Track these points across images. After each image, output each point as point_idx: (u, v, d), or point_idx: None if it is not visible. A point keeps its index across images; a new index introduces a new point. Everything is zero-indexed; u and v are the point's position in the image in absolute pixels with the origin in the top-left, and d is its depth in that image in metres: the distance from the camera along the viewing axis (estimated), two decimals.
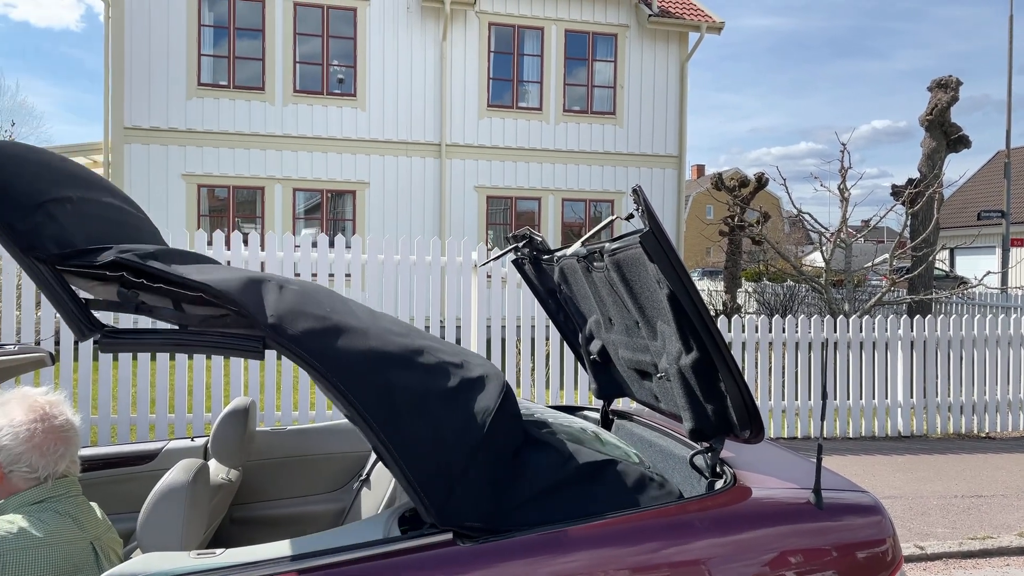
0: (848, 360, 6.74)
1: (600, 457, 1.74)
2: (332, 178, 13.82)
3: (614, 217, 2.05)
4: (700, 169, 53.09)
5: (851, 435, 6.75)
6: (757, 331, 6.60)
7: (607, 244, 2.03)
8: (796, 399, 6.72)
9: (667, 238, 1.63)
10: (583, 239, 2.15)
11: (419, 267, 5.91)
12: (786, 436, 6.59)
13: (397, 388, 1.51)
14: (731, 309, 17.05)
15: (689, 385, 1.88)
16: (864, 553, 1.66)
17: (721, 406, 1.82)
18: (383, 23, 14.05)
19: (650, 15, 14.86)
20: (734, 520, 1.64)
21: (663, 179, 15.76)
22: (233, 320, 1.53)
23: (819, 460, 1.74)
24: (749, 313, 17.77)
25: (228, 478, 2.29)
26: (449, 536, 1.47)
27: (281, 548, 1.43)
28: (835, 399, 6.77)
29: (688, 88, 15.86)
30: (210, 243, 5.52)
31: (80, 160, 14.46)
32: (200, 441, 2.63)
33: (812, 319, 6.65)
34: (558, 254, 2.49)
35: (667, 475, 2.16)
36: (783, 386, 6.62)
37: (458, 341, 6.28)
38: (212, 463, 2.39)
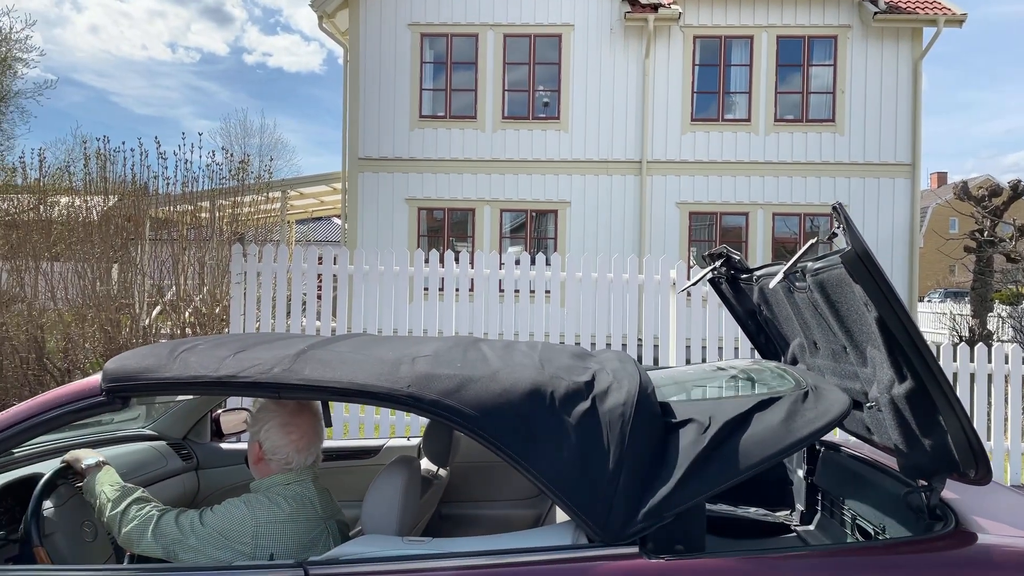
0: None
1: (741, 407, 1.70)
2: (536, 198, 14.37)
3: (814, 241, 1.95)
4: (942, 177, 47.08)
5: None
6: (1007, 362, 5.73)
7: (810, 264, 1.94)
8: None
9: (871, 257, 1.53)
10: (785, 268, 2.05)
11: (616, 285, 5.96)
12: None
13: (533, 421, 1.60)
14: (979, 335, 14.91)
15: (903, 416, 1.73)
16: None
17: (940, 441, 1.65)
18: (587, 45, 14.39)
19: (876, 12, 13.62)
20: (954, 567, 1.48)
21: (892, 190, 14.26)
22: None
23: None
24: (1003, 340, 15.40)
25: (437, 476, 2.51)
26: (635, 549, 1.50)
27: (478, 543, 1.56)
28: None
29: (923, 88, 14.26)
30: (427, 261, 6.04)
31: (321, 188, 16.57)
32: (415, 441, 2.91)
33: None
34: (758, 273, 2.41)
35: (879, 515, 1.98)
36: None
37: (656, 361, 6.22)
38: (424, 461, 2.63)
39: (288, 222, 18.95)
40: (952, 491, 1.93)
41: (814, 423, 1.64)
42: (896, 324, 1.56)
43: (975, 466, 1.62)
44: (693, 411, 1.72)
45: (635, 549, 1.50)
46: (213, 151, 7.59)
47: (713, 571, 1.47)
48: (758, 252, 14.34)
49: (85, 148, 7.28)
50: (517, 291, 6.03)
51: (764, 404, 1.72)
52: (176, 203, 7.44)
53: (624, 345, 10.85)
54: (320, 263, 6.08)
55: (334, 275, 6.11)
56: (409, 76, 14.40)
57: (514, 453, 1.57)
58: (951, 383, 1.59)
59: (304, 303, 6.23)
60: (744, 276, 2.48)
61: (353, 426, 5.97)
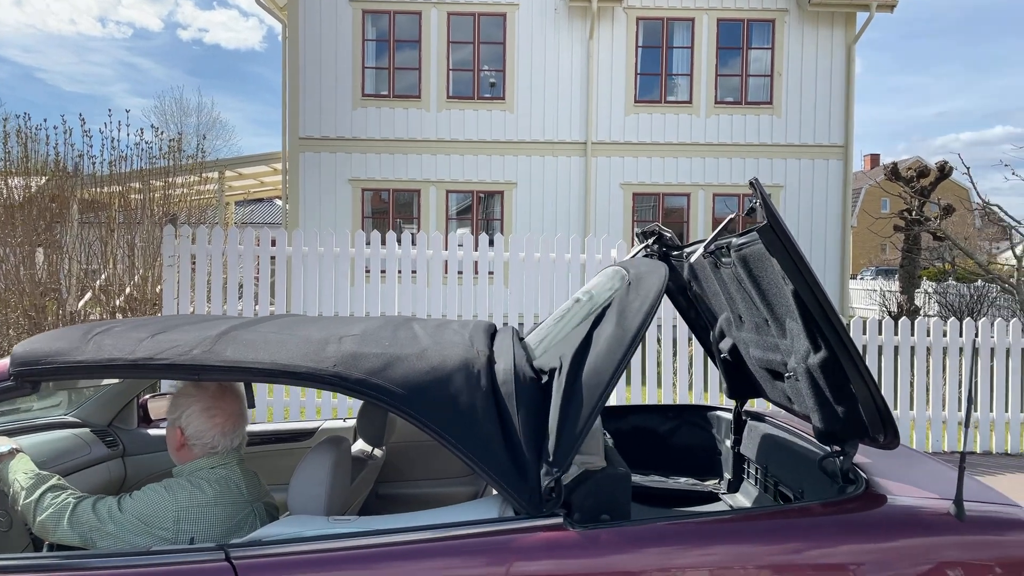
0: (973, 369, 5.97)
1: (581, 333, 1.78)
2: (482, 179, 14.32)
3: (732, 215, 2.01)
4: (874, 159, 48.73)
5: None
6: (929, 335, 6.02)
7: (733, 239, 1.99)
8: (976, 410, 6.06)
9: (786, 232, 1.58)
10: (705, 243, 2.13)
11: (559, 265, 6.01)
12: (960, 450, 5.95)
13: (460, 398, 1.62)
14: (907, 311, 15.59)
15: (818, 385, 1.81)
16: (1011, 571, 1.51)
17: (852, 408, 1.73)
18: (531, 26, 14.34)
19: None
20: (864, 527, 1.56)
21: (826, 171, 14.73)
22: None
23: (962, 468, 1.60)
24: (929, 316, 16.15)
25: (372, 456, 2.51)
26: (559, 520, 1.53)
27: (405, 520, 1.57)
28: (1021, 411, 6.02)
29: (855, 72, 14.72)
30: (368, 242, 5.97)
31: (261, 168, 16.13)
32: (351, 422, 2.89)
33: (1011, 323, 5.96)
34: (688, 250, 2.46)
35: (798, 480, 2.07)
36: (960, 394, 5.99)
37: None
38: (359, 442, 2.62)
39: (227, 204, 18.41)
40: (869, 457, 2.03)
41: (640, 311, 1.70)
42: (809, 296, 1.62)
43: (883, 431, 1.70)
44: (552, 358, 1.77)
45: (559, 520, 1.53)
46: (142, 129, 7.29)
47: (634, 538, 1.52)
48: (699, 232, 14.64)
49: (5, 126, 6.89)
50: (461, 272, 6.02)
51: (598, 319, 1.78)
52: (104, 184, 7.13)
53: None
54: (258, 244, 5.94)
55: (272, 257, 5.98)
56: (351, 54, 14.09)
57: (441, 430, 1.57)
58: (861, 354, 1.66)
59: (241, 287, 6.08)
60: (675, 253, 2.53)
61: (294, 410, 5.89)
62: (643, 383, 6.02)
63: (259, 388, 5.89)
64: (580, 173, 14.45)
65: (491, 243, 12.29)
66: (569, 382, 1.64)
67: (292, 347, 1.74)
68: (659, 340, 6.32)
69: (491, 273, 7.31)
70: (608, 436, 2.23)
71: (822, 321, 1.63)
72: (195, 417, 1.88)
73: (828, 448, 1.88)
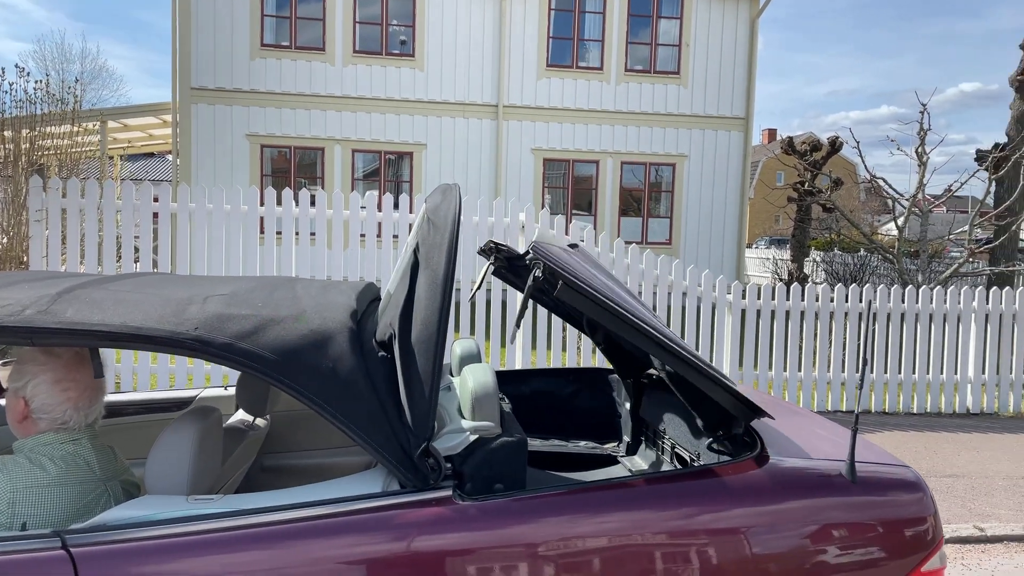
0: (916, 332, 6.38)
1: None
2: (390, 139, 13.86)
3: (489, 266, 2.23)
4: (771, 133, 50.92)
5: (915, 411, 6.43)
6: (818, 300, 6.31)
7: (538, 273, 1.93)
8: (857, 372, 6.43)
9: (579, 288, 1.64)
10: (474, 289, 2.36)
11: (467, 228, 5.86)
12: (844, 410, 6.32)
13: (341, 364, 1.48)
14: (797, 278, 16.45)
15: (684, 392, 1.90)
16: (899, 531, 1.53)
17: (718, 407, 1.81)
18: None
19: None
20: (757, 490, 1.54)
21: (728, 142, 15.19)
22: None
23: (855, 430, 1.61)
24: (817, 283, 17.11)
25: (254, 427, 2.32)
26: (448, 492, 1.43)
27: (277, 497, 1.41)
28: (900, 372, 6.44)
29: (757, 47, 15.14)
30: (263, 202, 5.59)
31: (149, 119, 14.98)
32: (234, 390, 2.67)
33: (892, 289, 6.31)
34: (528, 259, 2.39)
35: (694, 443, 2.06)
36: (844, 358, 6.34)
37: (504, 304, 6.24)
38: (239, 412, 2.42)
39: (110, 157, 17.03)
40: (765, 421, 2.03)
41: (442, 247, 1.59)
42: (630, 331, 1.66)
43: (754, 415, 1.77)
44: (385, 326, 1.66)
45: (448, 493, 1.42)
46: (3, 68, 6.53)
47: (527, 509, 1.43)
48: (607, 199, 14.82)
49: None
50: (363, 236, 5.77)
51: (415, 268, 1.68)
52: None
53: (473, 292, 10.88)
54: (137, 200, 5.45)
55: (155, 213, 5.51)
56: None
57: (319, 400, 1.42)
58: (703, 361, 1.71)
59: (119, 244, 5.60)
60: (517, 260, 2.43)
61: (180, 377, 5.51)
62: (548, 347, 6.02)
63: (124, 355, 5.47)
64: (491, 137, 14.24)
65: (396, 205, 11.96)
66: (403, 343, 1.53)
67: (148, 307, 1.53)
68: None
69: (396, 237, 7.06)
70: (506, 401, 2.14)
71: (654, 350, 1.66)
72: (43, 388, 1.64)
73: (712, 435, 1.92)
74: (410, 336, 1.52)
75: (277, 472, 2.60)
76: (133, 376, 5.56)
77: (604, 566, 1.42)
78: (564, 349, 6.03)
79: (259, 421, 2.38)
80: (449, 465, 1.49)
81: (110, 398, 2.52)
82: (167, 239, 5.48)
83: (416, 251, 1.71)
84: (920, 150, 9.44)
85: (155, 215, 5.53)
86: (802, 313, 6.41)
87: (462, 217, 5.80)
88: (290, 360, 1.46)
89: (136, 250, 5.98)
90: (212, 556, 1.29)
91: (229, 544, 1.30)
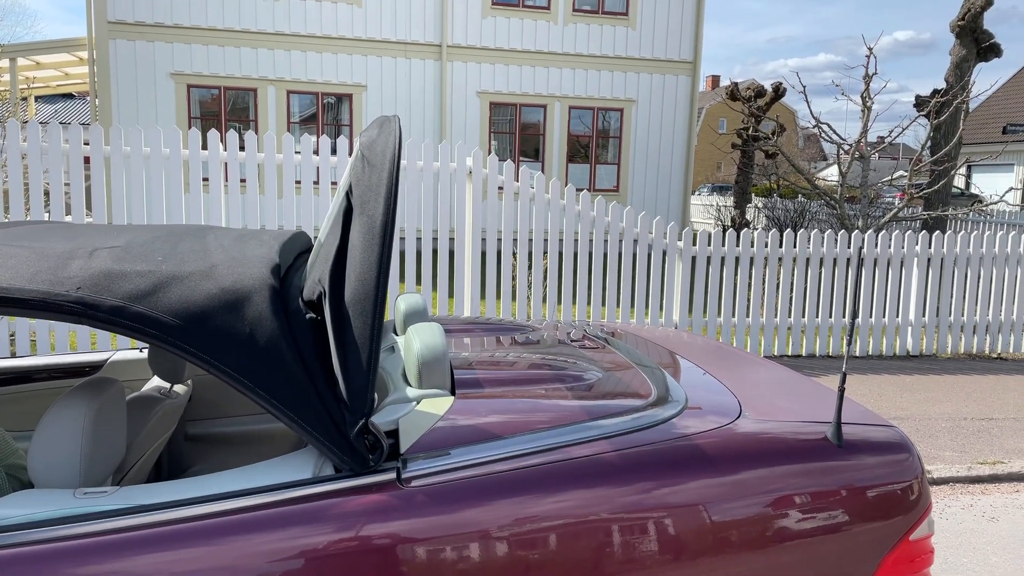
0: (857, 276, 6.44)
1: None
2: (328, 80, 13.17)
3: None
4: (715, 80, 50.98)
5: (858, 354, 6.55)
6: (767, 246, 6.28)
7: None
8: (803, 316, 6.49)
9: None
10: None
11: (411, 173, 5.55)
12: (790, 354, 6.39)
13: (259, 328, 1.25)
14: (739, 225, 16.64)
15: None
16: (887, 498, 1.42)
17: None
18: None
19: None
20: (728, 456, 1.39)
21: (676, 86, 15.01)
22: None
23: (842, 389, 1.47)
24: (757, 229, 17.35)
25: (171, 394, 2.06)
26: (391, 476, 1.23)
27: (183, 487, 1.19)
28: (843, 316, 6.52)
29: None
30: (205, 146, 5.14)
31: (64, 56, 13.82)
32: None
33: (826, 234, 6.31)
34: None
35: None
36: (790, 302, 6.37)
37: (452, 254, 6.00)
38: (155, 379, 2.15)
39: (25, 98, 15.74)
40: (735, 375, 1.89)
41: (380, 188, 1.35)
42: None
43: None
44: (313, 284, 1.42)
45: (391, 476, 1.22)
46: None
47: (485, 488, 1.25)
48: (555, 146, 14.53)
49: None
50: (298, 182, 5.40)
51: (347, 214, 1.44)
52: None
53: (419, 239, 10.54)
54: (44, 143, 4.93)
55: (31, 152, 5.01)
56: None
57: (232, 371, 1.19)
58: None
59: (6, 191, 5.08)
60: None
61: (61, 341, 5.13)
62: (498, 297, 5.84)
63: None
64: (435, 78, 13.68)
65: (334, 149, 11.39)
66: (335, 303, 1.30)
67: (20, 263, 1.26)
68: (515, 254, 6.12)
69: (334, 184, 6.70)
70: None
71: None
72: None
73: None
74: (343, 294, 1.29)
75: (202, 441, 2.36)
76: (50, 335, 5.14)
77: (568, 547, 1.25)
78: (514, 299, 5.86)
79: (178, 388, 2.12)
80: (391, 442, 1.29)
81: (3, 364, 2.21)
82: (79, 185, 5.00)
83: (349, 194, 1.45)
84: (865, 95, 9.45)
85: (67, 159, 5.03)
86: (751, 259, 6.38)
87: (403, 159, 5.49)
88: (196, 325, 1.22)
89: (46, 197, 5.48)
90: (96, 564, 1.06)
91: (119, 549, 1.08)
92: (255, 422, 2.40)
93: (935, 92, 11.50)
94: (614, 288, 5.86)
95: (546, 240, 5.95)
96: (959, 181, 24.13)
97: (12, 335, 5.18)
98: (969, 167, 25.27)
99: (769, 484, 1.37)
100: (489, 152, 13.95)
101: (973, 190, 23.65)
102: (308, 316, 1.31)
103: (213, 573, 1.09)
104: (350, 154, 5.49)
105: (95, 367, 2.33)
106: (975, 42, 11.24)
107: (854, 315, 1.44)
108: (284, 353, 1.23)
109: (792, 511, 1.36)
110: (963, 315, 6.75)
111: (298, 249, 1.70)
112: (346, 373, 1.23)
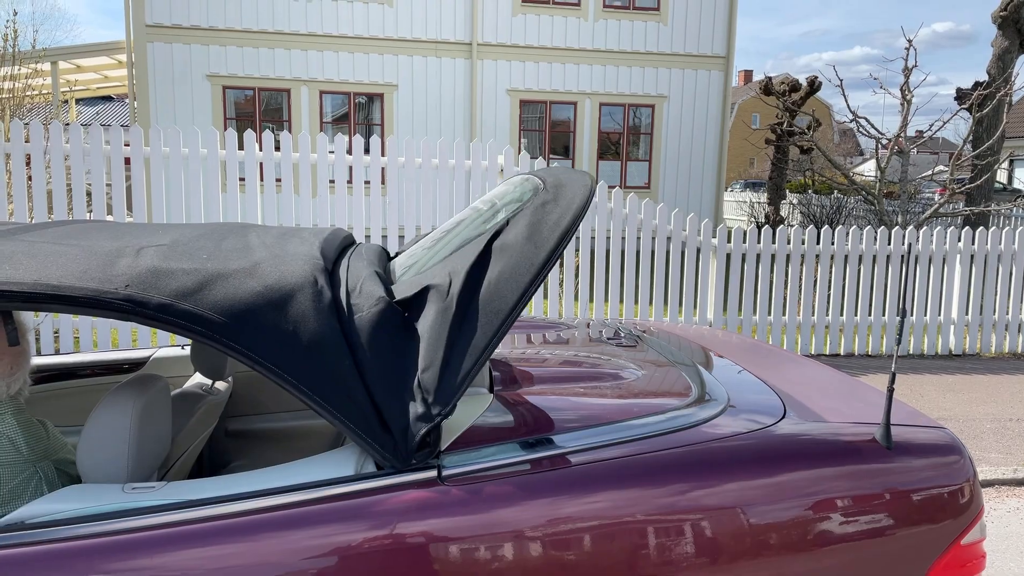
0: (901, 273, 6.29)
1: (479, 245, 1.46)
2: (359, 80, 13.28)
3: None
4: (747, 75, 50.23)
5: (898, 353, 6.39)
6: (803, 243, 6.17)
7: None
8: (841, 315, 6.36)
9: None
10: None
11: (443, 171, 5.57)
12: (827, 353, 6.27)
13: (303, 325, 1.27)
14: (774, 221, 16.38)
15: None
16: (938, 502, 1.38)
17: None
18: None
19: None
20: (768, 457, 1.36)
21: (708, 82, 14.82)
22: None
23: (891, 390, 1.44)
24: (792, 225, 17.08)
25: (213, 391, 2.09)
26: (433, 474, 1.23)
27: (228, 483, 1.21)
28: (883, 315, 6.38)
29: None
30: (241, 146, 5.22)
31: (103, 60, 14.16)
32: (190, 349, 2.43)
33: (865, 230, 6.18)
34: None
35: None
36: (828, 300, 6.25)
37: None
38: (196, 376, 2.19)
39: (66, 101, 16.16)
40: (774, 373, 1.86)
41: (560, 224, 1.41)
42: None
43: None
44: (433, 277, 1.44)
45: (433, 474, 1.22)
46: None
47: (527, 487, 1.24)
48: (585, 143, 14.47)
49: None
50: (333, 181, 5.45)
51: (499, 233, 1.47)
52: None
53: None
54: (86, 144, 5.06)
55: (108, 159, 5.13)
56: None
57: (278, 368, 1.21)
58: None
59: (50, 192, 5.22)
60: None
61: (103, 338, 5.24)
62: (545, 297, 5.83)
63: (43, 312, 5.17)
64: (465, 77, 13.71)
65: (367, 149, 11.49)
66: (462, 304, 1.32)
67: (70, 261, 1.29)
68: None
69: (367, 182, 6.75)
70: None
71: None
72: None
73: None
74: (476, 297, 1.33)
75: (243, 437, 2.40)
76: (92, 332, 5.27)
77: (606, 547, 1.24)
78: (545, 296, 5.84)
79: (219, 385, 2.16)
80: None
81: (50, 361, 2.27)
82: (120, 186, 5.11)
83: (514, 217, 1.49)
84: (904, 88, 9.23)
85: (108, 161, 5.16)
86: (788, 256, 6.27)
87: (435, 158, 5.52)
88: (241, 322, 1.23)
89: (88, 197, 5.61)
90: (143, 559, 1.08)
91: (165, 544, 1.10)
92: (294, 418, 2.43)
93: (977, 85, 11.19)
94: (647, 286, 5.81)
95: (578, 238, 5.93)
96: (1001, 176, 23.46)
97: (56, 332, 5.33)
98: (1012, 161, 24.54)
99: (817, 486, 1.34)
100: (519, 151, 13.94)
101: (1016, 185, 22.97)
102: (366, 311, 1.33)
103: (257, 569, 1.10)
104: (382, 153, 5.53)
105: (138, 364, 2.39)
106: (1018, 33, 10.91)
107: (903, 313, 1.40)
108: (328, 349, 1.24)
109: (840, 515, 1.33)
110: (1007, 313, 6.56)
111: (339, 245, 1.71)
112: (444, 369, 1.24)
